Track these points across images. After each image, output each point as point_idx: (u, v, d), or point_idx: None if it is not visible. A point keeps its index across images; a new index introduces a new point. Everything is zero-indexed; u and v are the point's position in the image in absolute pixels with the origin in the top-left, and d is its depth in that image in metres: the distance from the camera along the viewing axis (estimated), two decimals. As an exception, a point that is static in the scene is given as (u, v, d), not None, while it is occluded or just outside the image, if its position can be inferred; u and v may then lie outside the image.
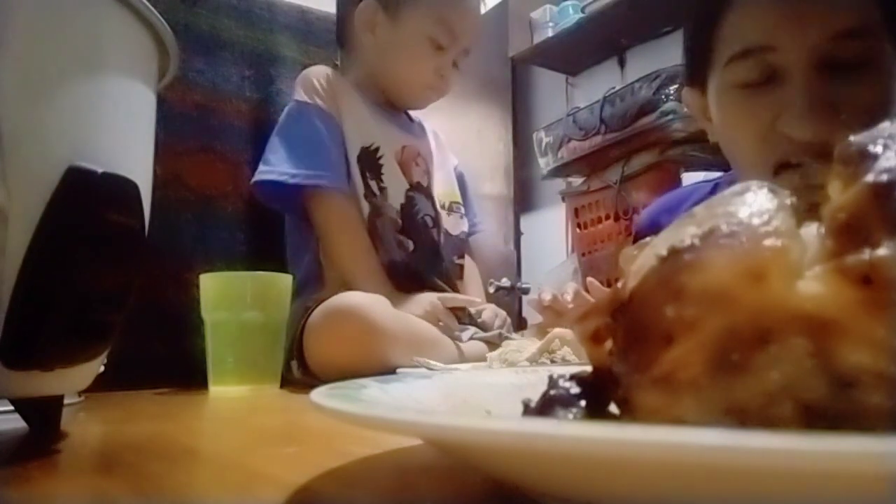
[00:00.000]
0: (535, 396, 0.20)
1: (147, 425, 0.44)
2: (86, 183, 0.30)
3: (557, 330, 0.65)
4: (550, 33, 2.14)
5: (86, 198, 0.30)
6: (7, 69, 0.28)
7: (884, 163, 0.15)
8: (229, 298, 0.68)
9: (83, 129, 0.31)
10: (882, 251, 0.14)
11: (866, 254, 0.14)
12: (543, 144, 1.73)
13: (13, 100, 0.29)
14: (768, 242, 0.15)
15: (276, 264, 0.85)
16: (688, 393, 0.16)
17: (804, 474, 0.10)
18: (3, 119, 0.28)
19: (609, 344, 0.19)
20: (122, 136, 0.34)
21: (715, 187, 0.85)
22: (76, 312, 0.31)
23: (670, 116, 1.37)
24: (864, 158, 0.16)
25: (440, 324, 0.82)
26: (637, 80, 1.49)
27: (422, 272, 0.92)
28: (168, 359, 0.78)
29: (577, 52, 2.15)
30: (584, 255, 1.66)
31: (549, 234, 2.14)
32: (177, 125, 0.87)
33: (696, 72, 0.67)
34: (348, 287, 0.79)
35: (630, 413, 0.17)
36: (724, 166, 0.88)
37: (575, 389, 0.19)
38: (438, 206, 1.00)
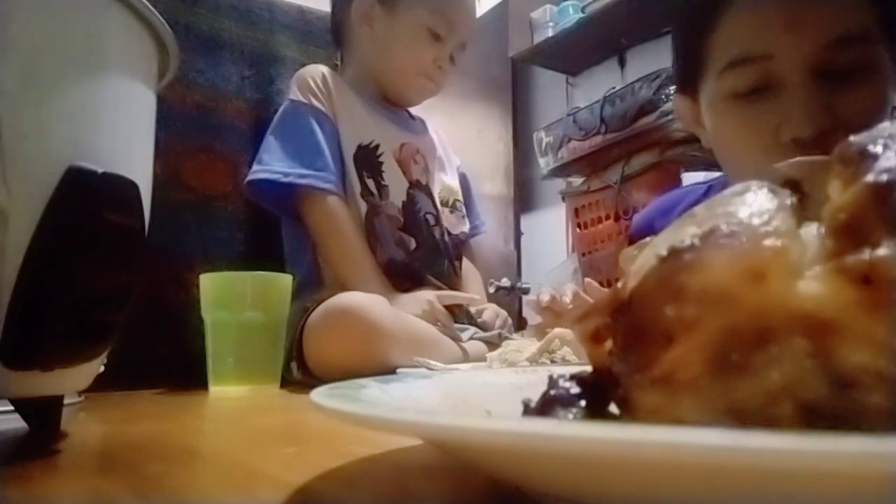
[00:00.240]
0: (535, 396, 0.20)
1: (147, 425, 0.44)
2: (86, 183, 0.30)
3: (557, 330, 0.64)
4: (550, 33, 2.14)
5: (86, 198, 0.30)
6: (7, 69, 0.28)
7: (884, 163, 0.15)
8: (229, 298, 0.68)
9: (83, 129, 0.31)
10: (882, 251, 0.14)
11: (866, 254, 0.14)
12: (543, 144, 1.73)
13: (13, 100, 0.29)
14: (768, 242, 0.15)
15: (276, 264, 0.85)
16: (688, 393, 0.16)
17: (804, 474, 0.10)
18: (3, 119, 0.28)
19: (609, 344, 0.19)
20: (122, 136, 0.34)
21: (708, 189, 0.85)
22: (76, 312, 0.31)
23: (670, 116, 1.37)
24: (864, 158, 0.16)
25: (438, 324, 0.82)
26: (637, 80, 1.49)
27: (422, 270, 0.92)
28: (168, 359, 0.78)
29: (577, 52, 2.15)
30: (584, 255, 1.66)
31: (550, 234, 2.15)
32: (177, 125, 0.87)
33: (687, 79, 0.66)
34: (345, 287, 0.79)
35: (630, 413, 0.17)
36: (723, 167, 0.88)
37: (575, 389, 0.19)
38: (439, 205, 1.00)
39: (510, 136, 2.40)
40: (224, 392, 0.67)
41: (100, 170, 0.31)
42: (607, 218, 1.59)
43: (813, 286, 0.15)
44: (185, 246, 0.86)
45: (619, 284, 0.19)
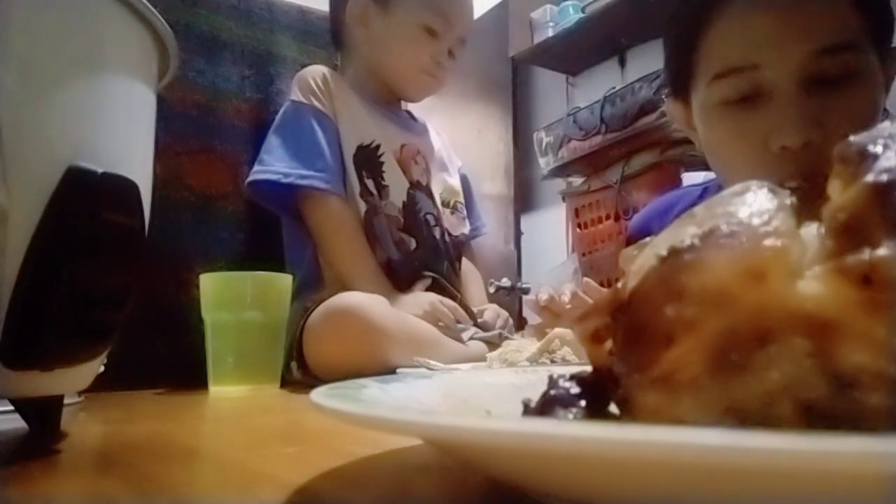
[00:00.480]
0: (535, 396, 0.20)
1: (147, 425, 0.44)
2: (86, 183, 0.30)
3: (557, 330, 0.64)
4: (551, 33, 2.14)
5: (86, 198, 0.30)
6: (7, 69, 0.28)
7: (884, 163, 0.15)
8: (229, 298, 0.68)
9: (83, 129, 0.31)
10: (882, 251, 0.14)
11: (866, 254, 0.14)
12: (544, 144, 1.73)
13: (13, 100, 0.29)
14: (768, 242, 0.15)
15: (276, 264, 0.85)
16: (688, 393, 0.16)
17: (804, 474, 0.10)
18: (3, 119, 0.28)
19: (609, 344, 0.19)
20: (122, 136, 0.34)
21: (704, 192, 0.85)
22: (76, 312, 0.31)
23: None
24: (864, 158, 0.16)
25: (440, 324, 0.82)
26: (637, 80, 1.49)
27: (421, 270, 0.92)
28: (168, 359, 0.78)
29: (577, 52, 2.15)
30: (584, 255, 1.66)
31: (550, 234, 2.14)
32: (177, 125, 0.87)
33: (678, 85, 0.67)
34: (347, 288, 0.79)
35: (630, 413, 0.17)
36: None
37: (575, 389, 0.19)
38: (440, 205, 1.00)
39: (510, 136, 2.40)
40: (224, 392, 0.67)
41: (100, 170, 0.31)
42: (607, 218, 1.59)
43: (813, 286, 0.15)
44: (185, 246, 0.86)
45: (619, 284, 0.19)
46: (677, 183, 1.47)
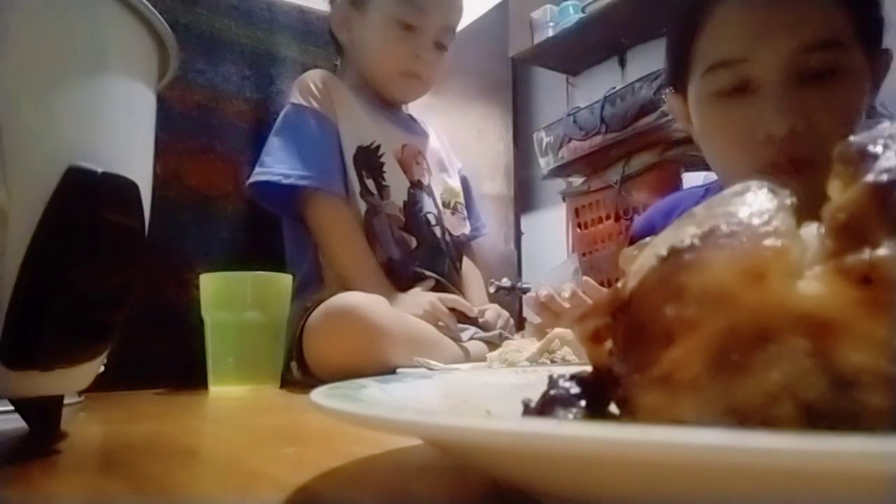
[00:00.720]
0: (535, 396, 0.20)
1: (147, 425, 0.44)
2: (86, 183, 0.30)
3: (557, 330, 0.65)
4: (551, 33, 2.14)
5: (86, 198, 0.30)
6: (7, 69, 0.28)
7: (884, 163, 0.15)
8: (229, 298, 0.68)
9: (83, 129, 0.31)
10: (882, 251, 0.14)
11: (866, 254, 0.14)
12: (544, 144, 1.73)
13: (13, 100, 0.29)
14: (768, 242, 0.15)
15: (276, 264, 0.85)
16: (688, 393, 0.16)
17: (804, 474, 0.10)
18: (3, 119, 0.28)
19: (609, 344, 0.19)
20: (122, 136, 0.34)
21: (706, 192, 0.86)
22: (76, 312, 0.31)
23: (670, 116, 1.37)
24: (864, 158, 0.16)
25: (440, 324, 0.82)
26: (637, 80, 1.49)
27: (422, 270, 0.92)
28: (168, 359, 0.78)
29: (577, 52, 2.15)
30: (584, 255, 1.66)
31: (550, 234, 2.14)
32: (177, 125, 0.87)
33: (677, 79, 0.71)
34: (347, 287, 0.79)
35: (630, 413, 0.17)
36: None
37: (575, 389, 0.19)
38: (441, 205, 1.01)
39: (510, 136, 2.40)
40: (224, 392, 0.67)
41: (100, 170, 0.31)
42: (607, 218, 1.59)
43: (813, 286, 0.15)
44: (185, 246, 0.86)
45: (619, 284, 0.19)
46: (677, 183, 1.47)
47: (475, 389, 0.31)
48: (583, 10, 2.06)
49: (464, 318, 0.90)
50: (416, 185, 0.97)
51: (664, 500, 0.14)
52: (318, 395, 0.20)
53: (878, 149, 0.16)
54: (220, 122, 0.93)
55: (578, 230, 1.68)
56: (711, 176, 1.19)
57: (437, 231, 0.98)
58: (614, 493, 0.14)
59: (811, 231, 0.16)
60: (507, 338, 0.88)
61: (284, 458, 0.29)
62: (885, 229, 0.14)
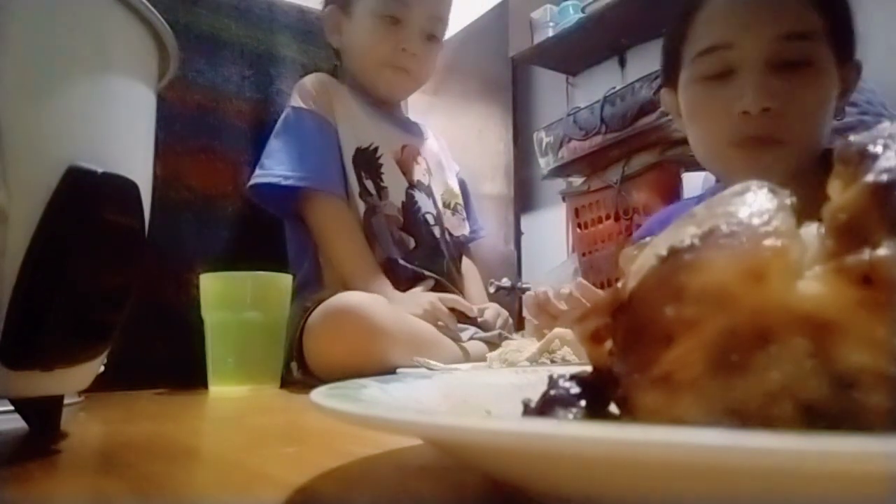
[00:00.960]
0: (535, 396, 0.20)
1: (147, 425, 0.44)
2: (86, 183, 0.30)
3: (557, 330, 0.65)
4: (551, 33, 2.14)
5: (86, 198, 0.30)
6: (7, 69, 0.28)
7: (884, 163, 0.15)
8: (229, 298, 0.68)
9: (83, 129, 0.31)
10: (882, 251, 0.14)
11: (866, 254, 0.14)
12: (544, 144, 1.73)
13: (13, 100, 0.29)
14: (768, 242, 0.15)
15: (276, 264, 0.85)
16: (688, 393, 0.16)
17: (804, 474, 0.10)
18: (3, 119, 0.28)
19: (609, 344, 0.19)
20: (122, 136, 0.34)
21: (698, 202, 0.87)
22: (76, 312, 0.31)
23: (670, 116, 1.37)
24: (864, 158, 0.16)
25: (440, 324, 0.82)
26: (637, 80, 1.49)
27: (421, 270, 0.92)
28: (168, 359, 0.78)
29: (577, 51, 2.15)
30: (584, 255, 1.66)
31: (550, 234, 2.14)
32: (177, 125, 0.87)
33: (669, 72, 0.77)
34: (347, 287, 0.79)
35: (630, 413, 0.17)
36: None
37: (575, 389, 0.19)
38: (441, 205, 1.01)
39: (510, 136, 2.39)
40: (224, 392, 0.67)
41: (100, 170, 0.31)
42: (607, 218, 1.59)
43: (813, 286, 0.15)
44: (185, 246, 0.86)
45: (619, 284, 0.19)
46: (677, 183, 1.47)
47: (475, 389, 0.31)
48: (583, 10, 2.05)
49: (463, 318, 0.90)
50: (416, 186, 0.97)
51: (664, 500, 0.14)
52: (318, 395, 0.20)
53: (878, 149, 0.16)
54: (220, 122, 0.93)
55: (578, 230, 1.68)
56: (711, 177, 1.19)
57: (437, 231, 0.98)
58: (614, 493, 0.14)
59: (811, 231, 0.16)
60: (506, 338, 0.88)
61: (284, 458, 0.29)
62: (885, 229, 0.14)
